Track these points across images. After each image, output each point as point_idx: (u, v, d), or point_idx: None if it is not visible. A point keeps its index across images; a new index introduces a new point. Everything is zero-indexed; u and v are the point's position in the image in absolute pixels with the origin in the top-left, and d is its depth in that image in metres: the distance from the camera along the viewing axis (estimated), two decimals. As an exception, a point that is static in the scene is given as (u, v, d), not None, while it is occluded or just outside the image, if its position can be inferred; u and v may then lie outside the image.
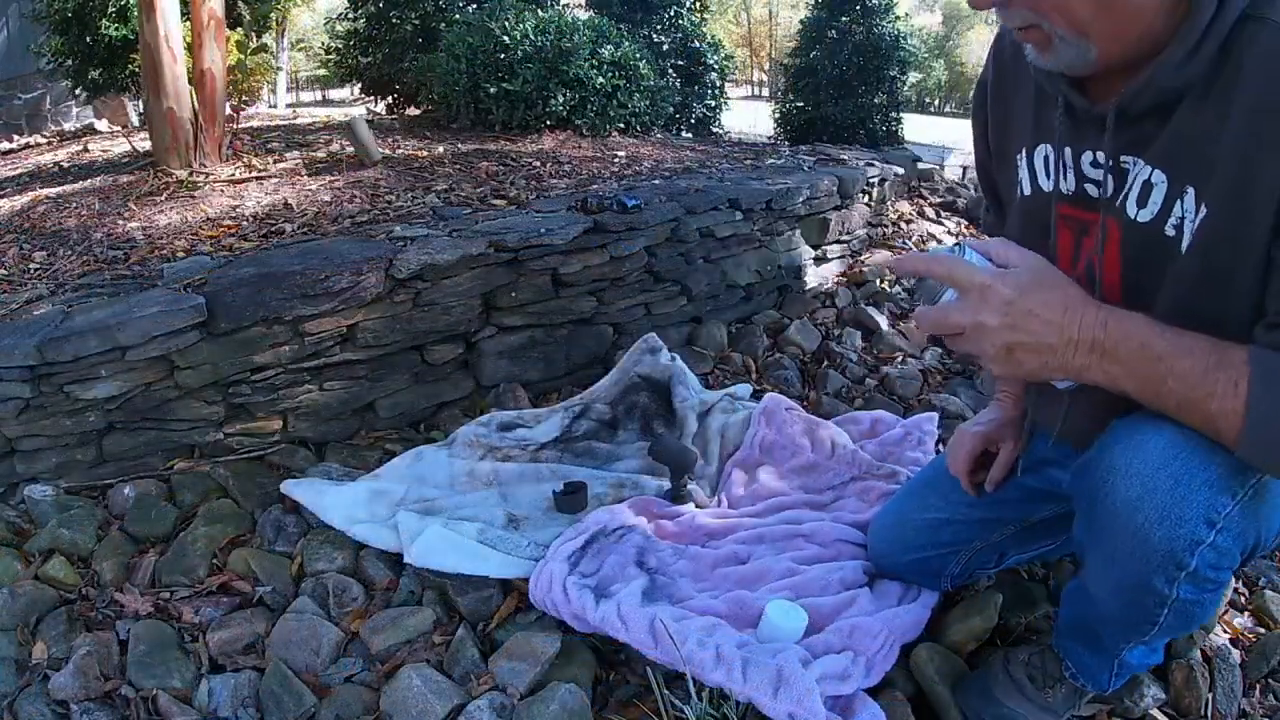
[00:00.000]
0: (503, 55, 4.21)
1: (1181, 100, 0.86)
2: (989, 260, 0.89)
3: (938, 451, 1.95)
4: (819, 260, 3.30)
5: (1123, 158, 0.93)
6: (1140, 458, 0.89)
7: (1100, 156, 0.95)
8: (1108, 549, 0.95)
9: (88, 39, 4.86)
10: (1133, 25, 0.83)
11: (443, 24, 5.38)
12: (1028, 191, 1.07)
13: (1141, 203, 0.92)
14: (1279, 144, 0.78)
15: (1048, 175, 1.04)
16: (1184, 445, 0.87)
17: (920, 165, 4.61)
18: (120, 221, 2.72)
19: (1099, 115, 0.93)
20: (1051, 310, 0.84)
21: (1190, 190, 0.87)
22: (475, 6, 5.42)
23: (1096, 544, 0.97)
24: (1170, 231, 0.89)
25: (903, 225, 3.98)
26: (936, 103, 30.36)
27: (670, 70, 5.57)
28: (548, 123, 4.23)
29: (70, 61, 5.14)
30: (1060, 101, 0.98)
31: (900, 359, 2.65)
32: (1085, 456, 0.97)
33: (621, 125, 4.49)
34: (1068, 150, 1.00)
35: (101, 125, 6.10)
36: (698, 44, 5.84)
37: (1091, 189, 0.99)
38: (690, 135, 5.64)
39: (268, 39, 5.65)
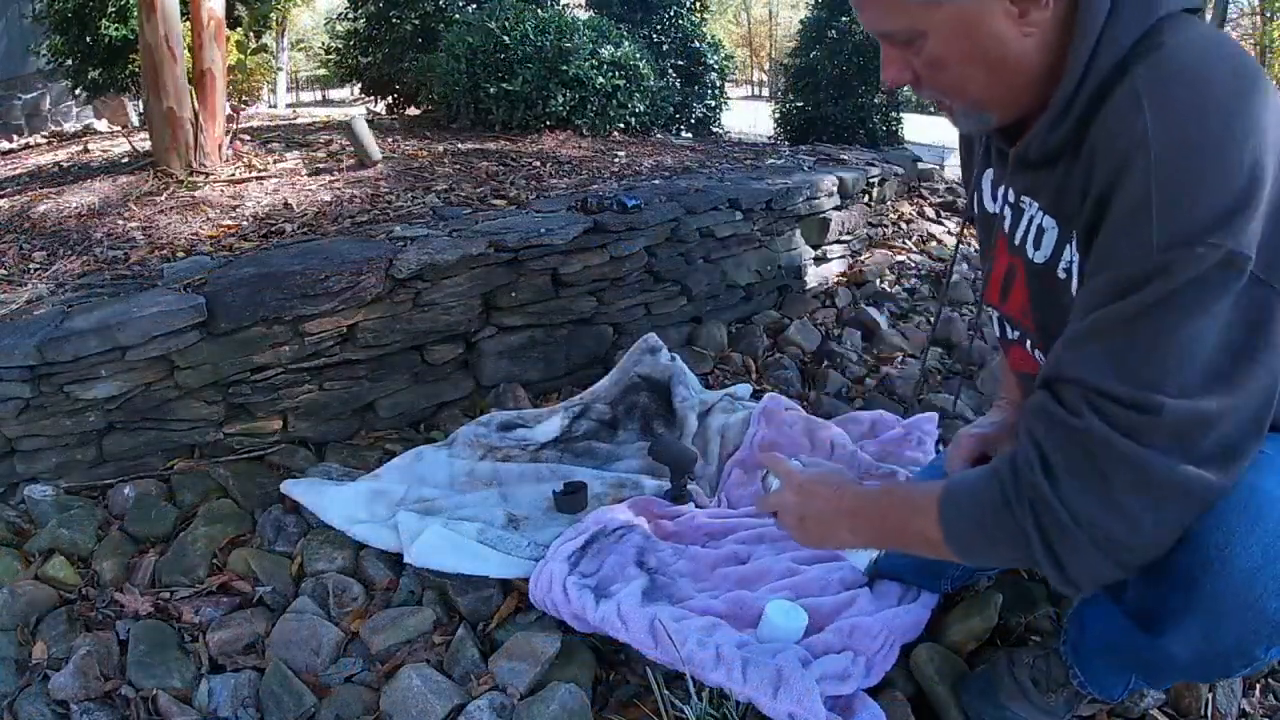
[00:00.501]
0: (503, 55, 4.21)
1: (1063, 154, 0.92)
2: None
3: (938, 452, 1.95)
4: (819, 260, 3.30)
5: (1022, 199, 1.02)
6: (1261, 524, 0.85)
7: (1011, 194, 1.04)
8: (1212, 620, 0.89)
9: (87, 39, 4.86)
10: (1021, 95, 0.92)
11: (442, 24, 5.38)
12: (977, 211, 1.16)
13: (1037, 244, 1.00)
14: (1095, 196, 0.85)
15: (994, 200, 1.10)
16: None
17: (920, 165, 4.61)
18: (120, 221, 2.72)
19: (1009, 158, 1.01)
20: (827, 490, 1.11)
21: (1074, 236, 0.93)
22: (475, 6, 5.42)
23: (1198, 611, 0.90)
24: (1062, 274, 0.96)
25: (903, 225, 3.98)
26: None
27: (670, 70, 5.57)
28: (548, 123, 4.23)
29: (70, 61, 5.14)
30: (986, 140, 1.10)
31: (900, 359, 2.65)
32: None
33: (621, 125, 4.49)
34: (1006, 186, 1.07)
35: (101, 125, 6.10)
36: (698, 44, 5.85)
37: (1008, 224, 1.07)
38: (690, 135, 5.64)
39: (268, 39, 5.66)
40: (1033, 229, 1.00)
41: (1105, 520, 0.82)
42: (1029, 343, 1.10)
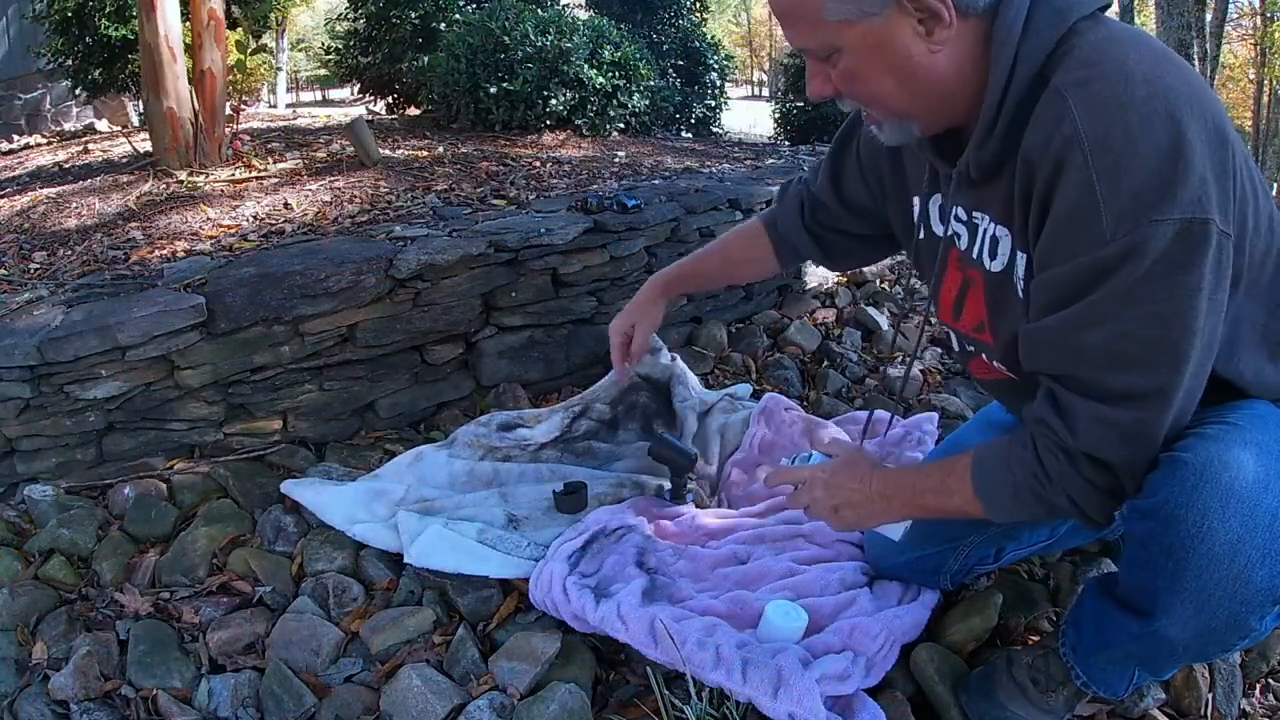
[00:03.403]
0: (503, 55, 4.21)
1: (1003, 167, 0.97)
2: (827, 456, 1.28)
3: (938, 451, 1.95)
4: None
5: (974, 214, 1.06)
6: (1236, 496, 0.87)
7: (961, 212, 1.09)
8: (1201, 596, 0.91)
9: (88, 39, 4.86)
10: (941, 106, 0.97)
11: (442, 24, 5.38)
12: (922, 236, 1.19)
13: (993, 255, 1.04)
14: (1037, 200, 0.91)
15: (943, 223, 1.14)
16: (1269, 474, 0.87)
17: (920, 165, 4.60)
18: (120, 221, 2.72)
19: (951, 178, 1.06)
20: (853, 479, 1.19)
21: (1025, 244, 0.98)
22: (475, 6, 5.42)
23: (1187, 590, 0.92)
24: (1018, 281, 1.01)
25: (903, 225, 3.98)
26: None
27: (670, 70, 5.58)
28: (548, 123, 4.23)
29: (70, 61, 5.14)
30: (928, 165, 1.13)
31: (900, 359, 2.64)
32: (1158, 500, 0.92)
33: (621, 125, 4.49)
34: (960, 209, 1.10)
35: (101, 125, 6.11)
36: (698, 44, 5.85)
37: (963, 241, 1.11)
38: (690, 135, 5.64)
39: (268, 39, 5.65)
40: (987, 240, 1.05)
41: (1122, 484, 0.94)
42: (985, 355, 1.15)
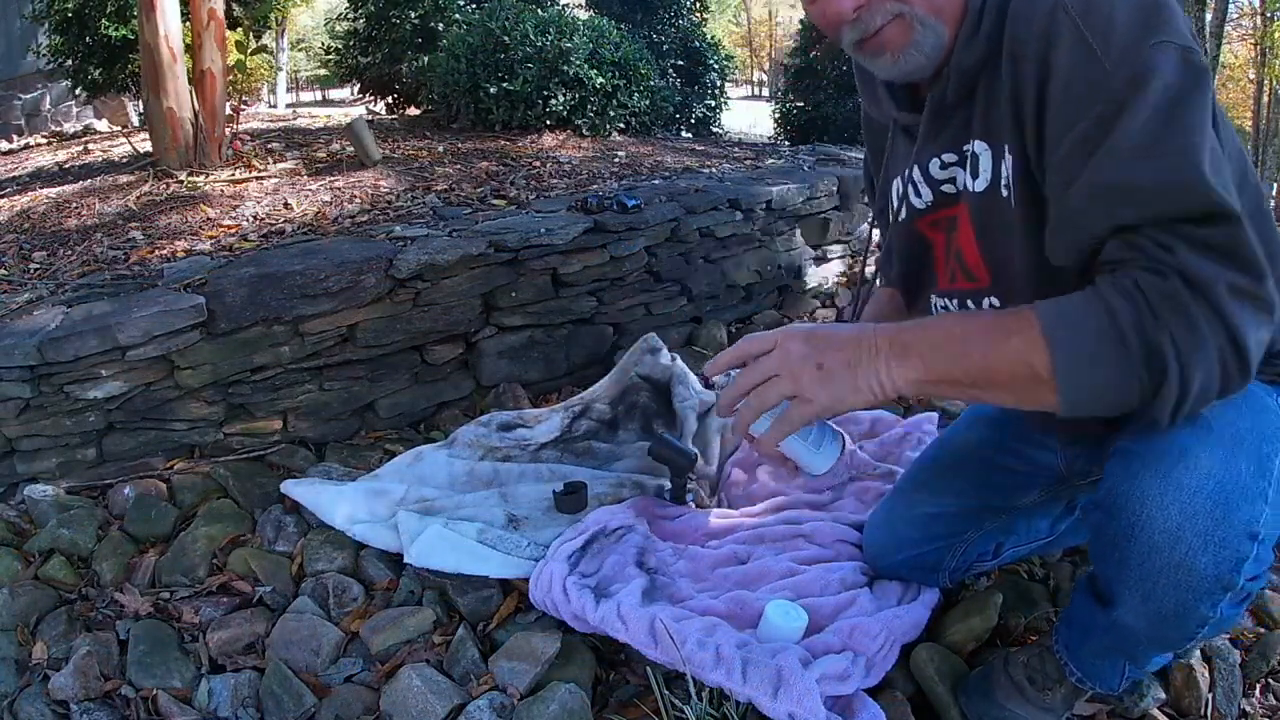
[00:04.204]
0: (503, 55, 4.21)
1: (980, 76, 0.95)
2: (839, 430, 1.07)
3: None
4: (819, 260, 3.30)
5: (945, 155, 1.03)
6: (1174, 483, 0.86)
7: (947, 158, 1.04)
8: (1146, 584, 0.91)
9: (87, 39, 4.86)
10: (959, 10, 0.93)
11: (442, 24, 5.38)
12: (904, 216, 1.14)
13: (974, 174, 0.99)
14: (1029, 83, 0.87)
15: (918, 194, 1.11)
16: (1213, 459, 0.86)
17: (920, 165, 4.60)
18: (120, 221, 2.72)
19: (925, 119, 1.03)
20: (844, 335, 0.89)
21: (1005, 149, 0.94)
22: (475, 6, 5.42)
23: (1132, 578, 0.92)
24: (1004, 192, 0.96)
25: (903, 225, 3.98)
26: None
27: (670, 70, 5.58)
28: (548, 123, 4.23)
29: (70, 61, 5.14)
30: (893, 126, 1.11)
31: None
32: (1105, 490, 0.93)
33: (621, 125, 4.49)
34: (916, 168, 1.07)
35: (101, 125, 6.11)
36: (698, 44, 5.85)
37: (948, 188, 1.06)
38: (690, 135, 5.64)
39: (267, 39, 5.65)
40: (968, 165, 1.00)
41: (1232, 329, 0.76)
42: (985, 301, 1.07)
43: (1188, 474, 0.86)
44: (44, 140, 5.34)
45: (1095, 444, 1.12)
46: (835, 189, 3.32)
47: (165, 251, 2.39)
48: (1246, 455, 0.87)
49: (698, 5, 6.49)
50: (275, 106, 12.03)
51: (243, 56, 5.10)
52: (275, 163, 3.53)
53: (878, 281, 1.36)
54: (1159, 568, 0.89)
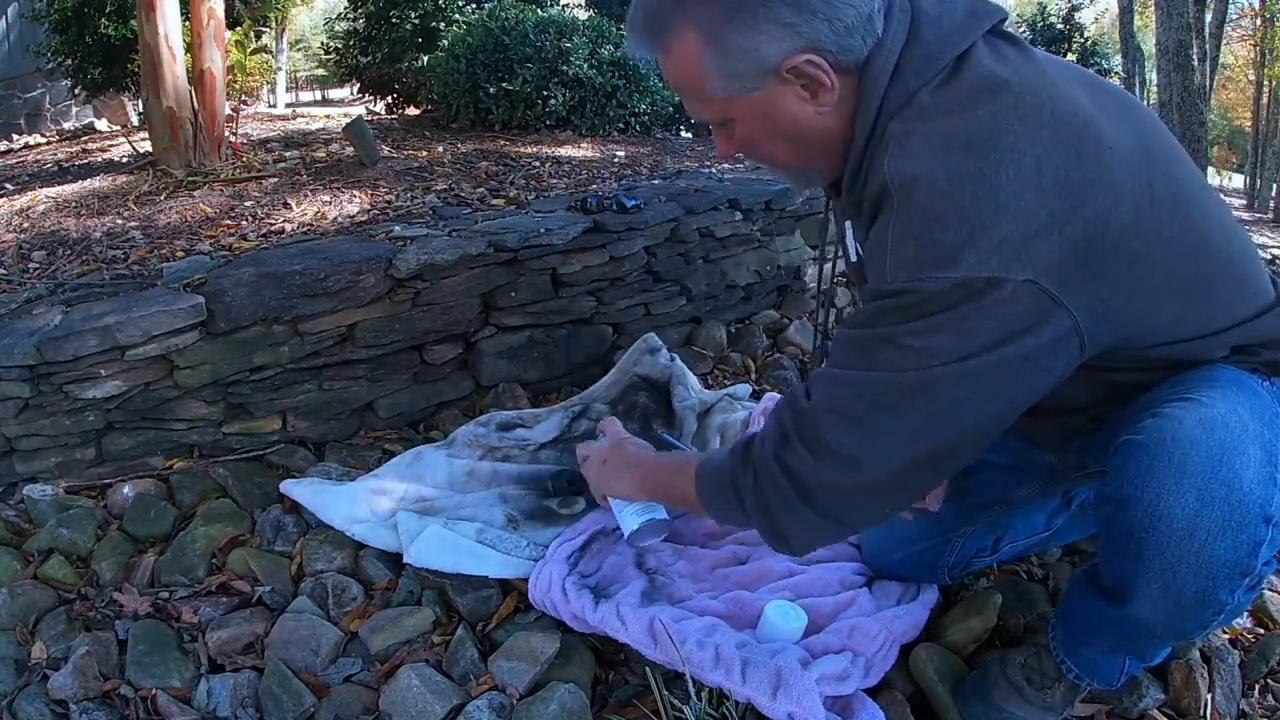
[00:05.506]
0: (502, 55, 4.21)
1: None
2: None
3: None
4: (819, 260, 3.29)
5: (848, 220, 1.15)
6: (1189, 471, 0.87)
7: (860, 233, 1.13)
8: (1166, 574, 0.91)
9: (87, 38, 4.86)
10: (835, 158, 1.03)
11: (442, 23, 5.38)
12: (848, 264, 1.23)
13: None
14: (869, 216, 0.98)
15: (855, 253, 1.18)
16: (1224, 447, 0.87)
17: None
18: (120, 221, 2.72)
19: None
20: (633, 452, 1.45)
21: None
22: (475, 6, 5.42)
23: (1151, 570, 0.92)
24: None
25: (902, 225, 3.97)
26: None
27: (670, 70, 5.56)
28: (547, 123, 4.23)
29: (70, 61, 5.14)
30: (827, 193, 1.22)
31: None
32: (1115, 483, 0.93)
33: (621, 125, 4.49)
34: (848, 224, 1.16)
35: (101, 125, 6.11)
36: (698, 44, 5.83)
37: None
38: (690, 135, 5.64)
39: (267, 39, 5.65)
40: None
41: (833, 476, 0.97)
42: None
43: (1202, 463, 0.87)
44: (44, 140, 5.34)
45: (1087, 439, 1.12)
46: (835, 189, 3.31)
47: (165, 251, 2.39)
48: (1253, 441, 0.88)
49: (698, 5, 6.47)
50: (275, 106, 12.03)
51: (242, 56, 5.10)
52: (275, 162, 3.53)
53: None
54: (1179, 557, 0.89)
